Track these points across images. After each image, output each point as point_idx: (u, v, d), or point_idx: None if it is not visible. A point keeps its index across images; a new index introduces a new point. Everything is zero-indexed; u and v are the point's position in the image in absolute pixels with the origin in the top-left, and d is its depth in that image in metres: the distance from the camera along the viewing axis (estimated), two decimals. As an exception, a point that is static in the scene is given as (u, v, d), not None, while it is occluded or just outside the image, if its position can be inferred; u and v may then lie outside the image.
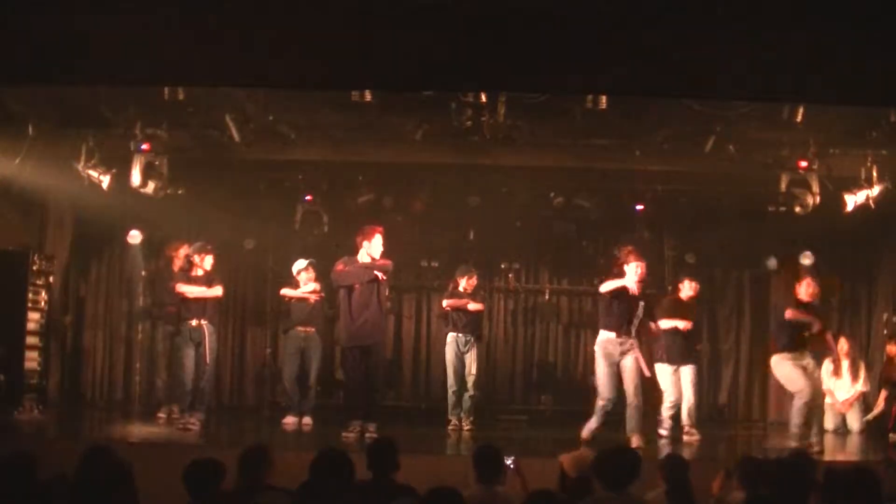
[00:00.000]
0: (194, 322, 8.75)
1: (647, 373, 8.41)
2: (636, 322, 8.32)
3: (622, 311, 8.28)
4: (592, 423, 8.25)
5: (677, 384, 8.84)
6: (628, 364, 8.23)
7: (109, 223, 10.39)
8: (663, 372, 8.87)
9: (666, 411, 8.78)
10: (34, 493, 4.19)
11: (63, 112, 8.35)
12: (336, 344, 10.11)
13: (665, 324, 8.83)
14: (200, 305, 8.80)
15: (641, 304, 8.35)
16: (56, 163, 8.86)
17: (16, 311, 9.32)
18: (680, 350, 8.91)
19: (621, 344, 8.24)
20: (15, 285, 9.36)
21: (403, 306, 11.33)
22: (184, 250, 9.40)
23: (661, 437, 8.64)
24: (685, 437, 8.68)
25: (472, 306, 9.38)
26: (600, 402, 8.26)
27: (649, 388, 8.74)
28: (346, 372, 8.95)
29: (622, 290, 8.25)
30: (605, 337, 8.31)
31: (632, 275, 8.27)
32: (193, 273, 8.87)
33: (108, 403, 10.87)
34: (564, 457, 4.82)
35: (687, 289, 9.13)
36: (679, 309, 9.02)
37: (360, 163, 9.51)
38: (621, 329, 8.25)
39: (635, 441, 8.02)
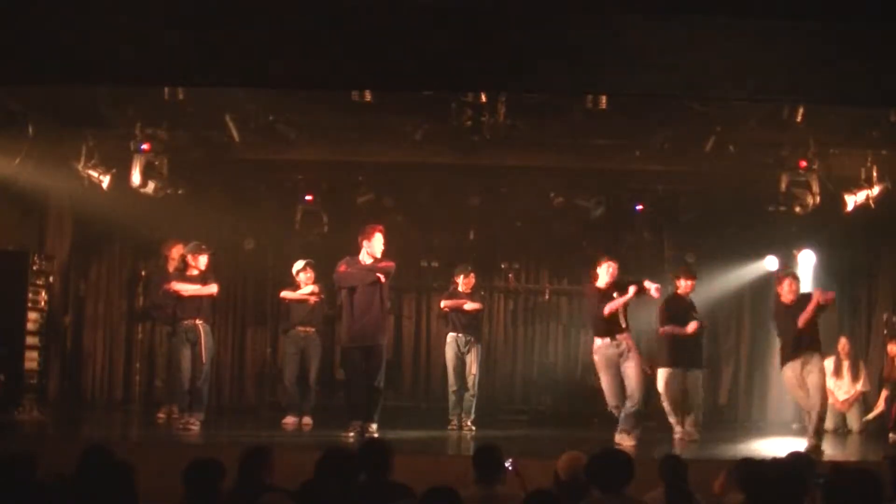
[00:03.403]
0: (190, 321, 8.75)
1: (648, 371, 8.37)
2: (625, 315, 8.29)
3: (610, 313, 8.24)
4: (626, 430, 8.14)
5: (675, 388, 8.59)
6: (630, 368, 8.17)
7: (109, 223, 10.39)
8: (664, 375, 8.65)
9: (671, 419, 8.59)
10: (34, 493, 4.19)
11: (63, 112, 8.35)
12: (337, 344, 10.12)
13: (666, 329, 8.67)
14: (196, 304, 8.80)
15: (632, 288, 8.25)
16: (56, 163, 8.87)
17: (16, 311, 9.31)
18: (686, 353, 8.66)
19: (618, 346, 8.22)
20: (15, 285, 9.34)
21: (403, 306, 11.32)
22: (177, 250, 9.42)
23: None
24: (685, 437, 8.57)
25: (469, 306, 9.36)
26: (616, 412, 8.21)
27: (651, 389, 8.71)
28: (346, 372, 8.96)
29: (608, 292, 8.28)
30: (600, 343, 8.30)
31: (604, 275, 8.35)
32: (189, 273, 8.88)
33: (108, 403, 10.87)
34: (560, 459, 4.83)
35: (684, 287, 8.90)
36: (679, 309, 8.80)
37: (360, 163, 9.51)
38: (614, 332, 8.23)
39: (627, 441, 8.00)
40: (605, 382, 8.27)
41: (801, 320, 7.96)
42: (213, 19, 5.22)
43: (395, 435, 8.21)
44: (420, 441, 8.37)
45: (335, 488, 4.14)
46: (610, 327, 8.23)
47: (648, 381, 8.59)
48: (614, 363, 8.22)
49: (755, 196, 9.59)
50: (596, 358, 8.35)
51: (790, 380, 8.10)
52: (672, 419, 8.64)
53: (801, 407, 8.23)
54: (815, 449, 7.82)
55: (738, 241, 10.56)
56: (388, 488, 4.41)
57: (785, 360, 8.13)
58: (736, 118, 8.19)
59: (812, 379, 7.98)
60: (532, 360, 11.34)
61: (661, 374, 8.67)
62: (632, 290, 8.18)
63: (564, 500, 4.31)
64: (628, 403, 8.14)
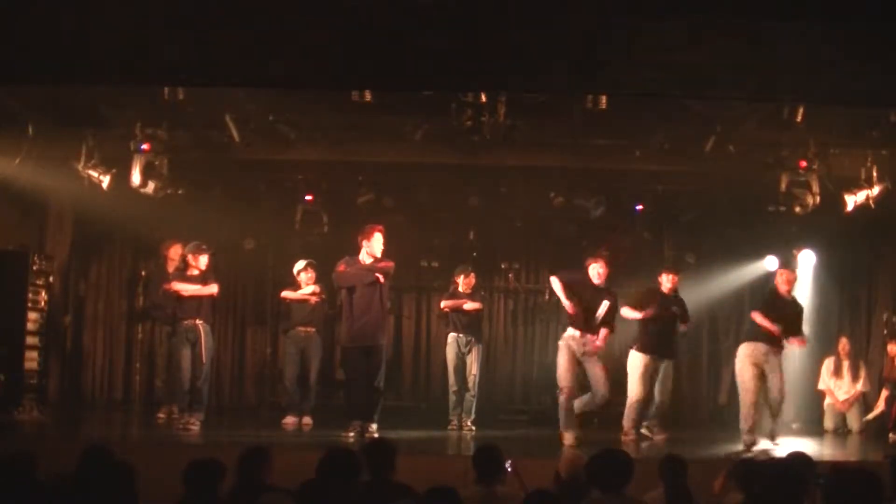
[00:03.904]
0: (190, 321, 8.75)
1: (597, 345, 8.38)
2: (597, 320, 8.36)
3: (583, 310, 8.34)
4: (569, 422, 8.21)
5: (646, 378, 8.61)
6: (592, 365, 8.29)
7: (109, 223, 10.39)
8: (635, 361, 8.65)
9: (630, 406, 8.57)
10: (34, 493, 4.19)
11: (63, 112, 8.35)
12: (337, 343, 10.13)
13: (627, 313, 8.68)
14: (195, 305, 8.81)
15: (606, 302, 8.37)
16: (56, 163, 8.86)
17: (16, 311, 9.31)
18: (658, 342, 8.68)
19: (584, 344, 8.29)
20: (15, 285, 9.35)
21: (403, 306, 11.33)
22: (176, 250, 9.43)
23: (623, 432, 8.53)
24: (644, 433, 8.65)
25: (469, 306, 9.38)
26: (562, 397, 8.25)
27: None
28: (346, 372, 8.96)
29: (580, 290, 8.38)
30: (569, 333, 8.38)
31: (594, 276, 8.41)
32: (189, 273, 8.89)
33: (108, 403, 10.88)
34: (560, 459, 4.84)
35: (666, 282, 8.89)
36: (656, 300, 8.78)
37: (360, 163, 9.51)
38: (584, 326, 8.30)
39: (568, 439, 8.03)
40: (562, 364, 8.31)
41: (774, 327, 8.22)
42: (213, 19, 5.21)
43: (395, 435, 8.20)
44: (420, 441, 8.37)
45: (336, 488, 4.14)
46: (583, 323, 8.32)
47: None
48: (575, 358, 8.29)
49: (755, 196, 9.58)
50: (560, 343, 8.41)
51: (748, 369, 8.22)
52: (630, 414, 8.58)
53: (746, 401, 8.28)
54: (752, 444, 8.00)
55: (738, 241, 10.56)
56: (390, 488, 4.41)
57: (753, 338, 8.31)
58: (736, 118, 8.18)
59: (777, 376, 8.22)
60: (532, 360, 11.34)
61: (634, 358, 8.68)
62: (603, 306, 8.33)
63: (564, 500, 4.31)
64: (598, 399, 8.27)
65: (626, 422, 8.61)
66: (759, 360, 8.24)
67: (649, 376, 8.67)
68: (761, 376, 8.25)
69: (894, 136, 8.15)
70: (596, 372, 8.29)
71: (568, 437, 8.08)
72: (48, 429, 9.00)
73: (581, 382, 8.41)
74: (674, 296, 8.93)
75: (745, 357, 8.33)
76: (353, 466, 4.33)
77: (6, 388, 9.01)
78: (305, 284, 9.40)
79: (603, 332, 8.38)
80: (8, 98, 8.00)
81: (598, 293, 8.41)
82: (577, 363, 8.32)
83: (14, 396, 9.05)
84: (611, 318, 8.47)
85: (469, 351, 9.35)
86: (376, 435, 7.90)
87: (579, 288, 8.43)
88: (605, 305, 8.35)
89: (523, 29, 5.21)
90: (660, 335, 8.74)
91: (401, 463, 4.71)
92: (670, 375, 8.88)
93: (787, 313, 8.39)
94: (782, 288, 8.41)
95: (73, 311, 10.95)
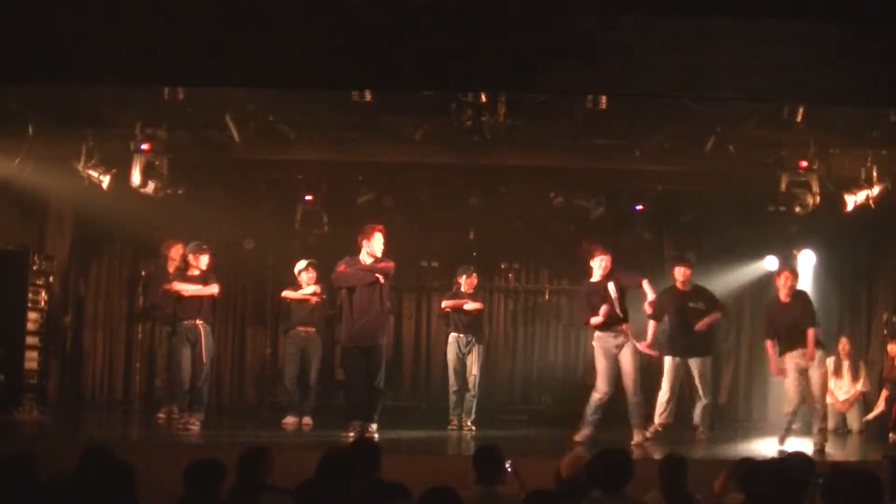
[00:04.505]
0: (190, 321, 8.76)
1: (652, 353, 8.39)
2: (621, 307, 8.34)
3: (599, 304, 8.31)
4: (588, 420, 8.24)
5: (674, 378, 8.62)
6: (625, 359, 8.26)
7: (109, 223, 10.39)
8: (665, 362, 8.73)
9: (660, 404, 8.58)
10: (34, 493, 4.19)
11: (63, 112, 8.35)
12: (337, 343, 10.14)
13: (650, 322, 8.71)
14: (196, 305, 8.82)
15: (612, 287, 8.34)
16: (56, 163, 8.87)
17: (16, 311, 9.32)
18: (676, 342, 8.69)
19: (616, 336, 8.28)
20: (15, 285, 9.36)
21: (403, 306, 11.33)
22: (177, 250, 9.43)
23: (652, 425, 8.55)
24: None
25: (469, 306, 9.39)
26: (595, 395, 8.27)
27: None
28: (346, 372, 8.97)
29: (600, 286, 8.38)
30: (599, 333, 8.38)
31: (598, 269, 8.41)
32: (190, 273, 8.89)
33: (108, 403, 10.88)
34: (563, 458, 4.84)
35: (678, 275, 8.85)
36: (672, 299, 8.81)
37: (360, 163, 9.51)
38: (611, 324, 8.29)
39: (637, 436, 8.09)
40: (600, 367, 8.35)
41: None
42: (213, 19, 5.22)
43: (396, 435, 8.22)
44: (420, 441, 8.37)
45: (336, 488, 4.14)
46: (607, 321, 8.30)
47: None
48: (612, 354, 8.31)
49: (755, 196, 9.58)
50: (595, 344, 8.43)
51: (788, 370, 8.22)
52: (658, 410, 8.57)
53: (794, 404, 8.28)
54: (822, 448, 7.92)
55: (738, 241, 10.56)
56: (385, 488, 4.41)
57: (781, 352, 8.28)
58: (736, 118, 8.19)
59: (807, 374, 8.17)
60: (532, 360, 11.34)
61: (665, 360, 8.75)
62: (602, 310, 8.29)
63: (565, 499, 4.31)
64: (629, 396, 8.26)
65: (655, 415, 8.61)
66: (796, 366, 8.19)
67: (678, 376, 8.66)
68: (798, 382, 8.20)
69: (894, 136, 8.15)
70: (626, 365, 8.23)
71: (580, 435, 8.11)
72: (48, 429, 9.01)
73: (618, 383, 8.37)
74: (692, 289, 8.86)
75: (787, 365, 8.29)
76: (352, 466, 4.33)
77: (6, 388, 9.01)
78: (306, 284, 9.40)
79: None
80: (8, 98, 8.00)
81: (604, 286, 8.38)
82: (615, 362, 8.29)
83: (14, 396, 9.05)
84: (621, 300, 8.43)
85: (469, 351, 9.35)
86: (376, 435, 7.92)
87: (592, 296, 8.42)
88: (611, 287, 8.32)
89: (523, 29, 5.21)
90: (678, 334, 8.70)
91: (401, 463, 4.72)
92: (708, 372, 8.78)
93: (785, 321, 8.28)
94: (782, 294, 8.31)
95: (73, 311, 10.95)
